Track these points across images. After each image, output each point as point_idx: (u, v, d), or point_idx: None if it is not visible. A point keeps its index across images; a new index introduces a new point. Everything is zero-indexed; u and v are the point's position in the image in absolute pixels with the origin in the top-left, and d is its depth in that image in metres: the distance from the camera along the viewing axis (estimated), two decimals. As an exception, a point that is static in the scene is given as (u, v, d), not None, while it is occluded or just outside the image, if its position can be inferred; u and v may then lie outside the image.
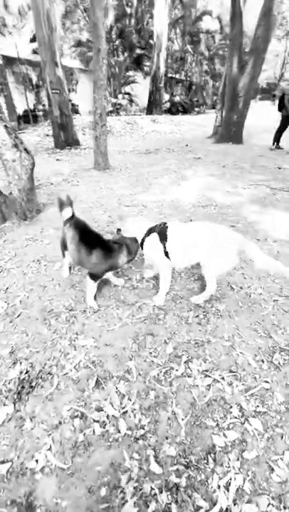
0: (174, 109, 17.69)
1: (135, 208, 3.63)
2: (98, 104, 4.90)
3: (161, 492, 1.02)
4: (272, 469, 1.09)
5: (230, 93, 7.90)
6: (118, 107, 14.72)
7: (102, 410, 1.27)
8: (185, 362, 1.52)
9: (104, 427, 1.22)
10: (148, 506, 0.99)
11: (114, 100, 14.50)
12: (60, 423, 1.24)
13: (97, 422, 1.23)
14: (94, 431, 1.20)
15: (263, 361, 1.54)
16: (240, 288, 2.12)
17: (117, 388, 1.38)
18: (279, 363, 1.52)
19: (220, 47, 18.42)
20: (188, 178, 5.05)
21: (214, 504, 0.99)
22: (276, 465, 1.10)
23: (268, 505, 0.99)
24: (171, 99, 18.25)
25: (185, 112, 17.93)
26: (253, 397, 1.35)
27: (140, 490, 1.03)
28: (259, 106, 21.80)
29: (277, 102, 7.48)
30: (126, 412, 1.28)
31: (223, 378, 1.44)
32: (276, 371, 1.48)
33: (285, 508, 0.98)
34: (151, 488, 1.03)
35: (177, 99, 18.38)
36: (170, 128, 11.55)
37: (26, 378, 1.42)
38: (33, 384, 1.40)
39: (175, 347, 1.61)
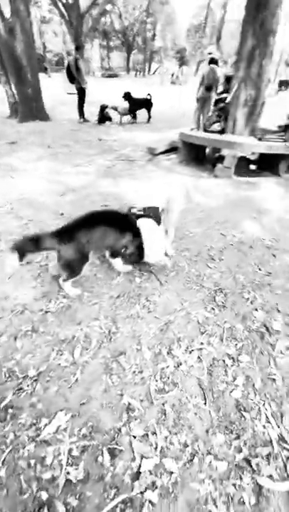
0: None
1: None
2: None
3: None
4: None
5: (11, 62, 6.87)
6: None
7: (155, 484, 1.01)
8: (168, 353, 1.46)
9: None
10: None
11: None
12: None
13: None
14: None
15: (212, 308, 1.75)
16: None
17: (135, 438, 1.12)
18: (222, 303, 1.80)
19: None
20: (18, 167, 4.24)
21: (270, 441, 1.12)
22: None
23: None
24: None
25: None
26: (228, 340, 1.55)
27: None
28: (52, 79, 20.81)
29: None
30: (162, 449, 1.09)
31: (202, 343, 1.53)
32: (225, 310, 1.75)
33: None
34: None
35: None
36: None
37: None
38: None
39: (148, 346, 1.49)
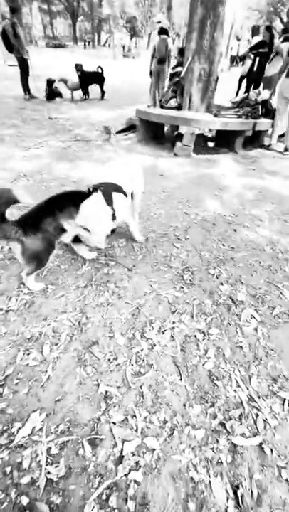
0: None
1: None
2: None
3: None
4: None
5: None
6: None
7: (139, 464, 1.02)
8: (141, 337, 1.46)
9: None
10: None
11: None
12: None
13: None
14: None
15: (181, 287, 1.78)
16: (120, 244, 2.14)
17: (115, 424, 1.12)
18: (190, 281, 1.83)
19: None
20: None
21: (241, 402, 1.21)
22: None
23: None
24: None
25: None
26: (198, 316, 1.60)
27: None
28: None
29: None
30: (143, 429, 1.11)
31: (173, 322, 1.55)
32: (193, 287, 1.79)
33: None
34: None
35: None
36: None
37: None
38: None
39: (121, 332, 1.48)
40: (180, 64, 5.27)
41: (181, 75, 4.47)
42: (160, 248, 2.13)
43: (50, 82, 7.02)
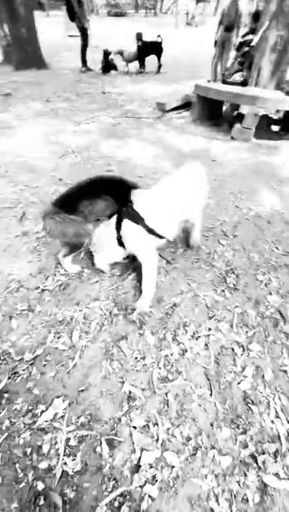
0: None
1: None
2: None
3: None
4: None
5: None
6: None
7: (155, 478, 0.96)
8: (172, 339, 1.36)
9: (155, 478, 0.95)
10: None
11: None
12: None
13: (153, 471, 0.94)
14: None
15: (223, 291, 1.61)
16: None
17: (135, 429, 1.06)
18: (234, 285, 1.65)
19: None
20: (14, 124, 3.84)
21: (279, 437, 1.06)
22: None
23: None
24: None
25: None
26: (238, 327, 1.43)
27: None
28: (50, 18, 18.24)
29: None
30: (163, 441, 1.04)
31: (210, 329, 1.41)
32: (236, 292, 1.60)
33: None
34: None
35: None
36: None
37: None
38: None
39: (152, 331, 1.39)
40: (252, 31, 4.58)
41: (252, 44, 3.89)
42: (204, 243, 1.95)
43: (106, 54, 6.79)
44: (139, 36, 6.72)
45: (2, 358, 1.26)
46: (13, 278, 1.63)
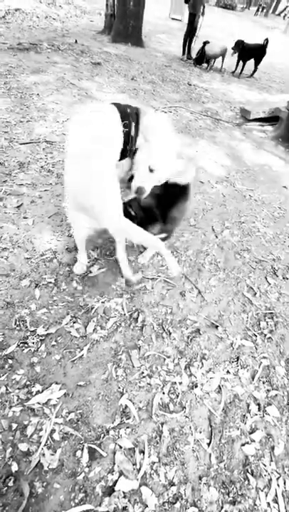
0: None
1: (37, 146, 2.50)
2: None
3: None
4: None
5: None
6: None
7: (126, 510, 0.89)
8: (185, 368, 1.26)
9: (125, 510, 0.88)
10: None
11: None
12: None
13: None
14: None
15: (254, 335, 1.45)
16: (205, 249, 1.87)
17: (120, 448, 1.00)
18: (269, 332, 1.47)
19: None
20: (95, 94, 3.84)
21: (269, 525, 0.92)
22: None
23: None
24: None
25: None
26: (260, 381, 1.28)
27: None
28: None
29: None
30: (145, 474, 0.96)
31: (228, 372, 1.28)
32: (269, 342, 1.43)
33: None
34: None
35: None
36: (43, 9, 8.17)
37: None
38: None
39: (167, 353, 1.30)
40: None
41: None
42: (247, 274, 1.78)
43: (204, 45, 6.46)
44: (240, 45, 6.17)
45: (17, 323, 1.26)
46: (50, 247, 1.63)
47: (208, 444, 1.06)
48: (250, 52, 6.50)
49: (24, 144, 2.47)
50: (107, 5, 6.89)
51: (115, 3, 6.63)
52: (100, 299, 1.44)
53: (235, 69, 6.79)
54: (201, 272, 1.72)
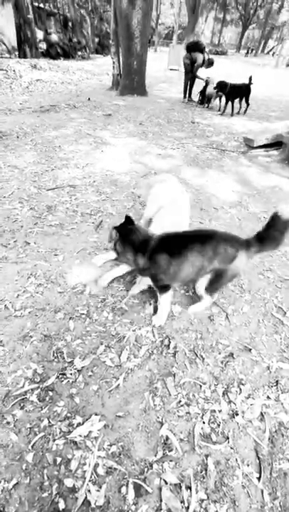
0: (54, 52, 14.64)
1: (62, 190, 2.78)
2: None
3: None
4: None
5: (124, 33, 6.84)
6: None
7: None
8: (223, 394, 1.23)
9: None
10: None
11: None
12: None
13: None
14: None
15: (291, 356, 1.41)
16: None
17: (166, 484, 0.96)
18: (306, 353, 1.42)
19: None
20: (109, 141, 4.28)
21: None
22: None
23: None
24: (47, 39, 14.91)
25: (66, 56, 15.15)
26: (305, 406, 1.21)
27: None
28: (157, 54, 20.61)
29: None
30: (195, 512, 0.91)
31: (268, 397, 1.23)
32: (307, 363, 1.38)
33: None
34: None
35: (55, 38, 15.14)
36: (59, 77, 9.53)
37: None
38: None
39: (202, 380, 1.28)
40: None
41: None
42: (275, 294, 1.77)
43: (206, 85, 6.98)
44: (221, 86, 6.34)
45: (55, 355, 1.32)
46: (80, 281, 1.74)
47: (258, 479, 1.00)
48: (236, 91, 6.62)
49: (51, 189, 2.76)
50: (113, 67, 7.94)
51: (120, 64, 7.64)
52: (130, 327, 1.49)
53: (224, 110, 6.71)
54: (225, 295, 1.73)
